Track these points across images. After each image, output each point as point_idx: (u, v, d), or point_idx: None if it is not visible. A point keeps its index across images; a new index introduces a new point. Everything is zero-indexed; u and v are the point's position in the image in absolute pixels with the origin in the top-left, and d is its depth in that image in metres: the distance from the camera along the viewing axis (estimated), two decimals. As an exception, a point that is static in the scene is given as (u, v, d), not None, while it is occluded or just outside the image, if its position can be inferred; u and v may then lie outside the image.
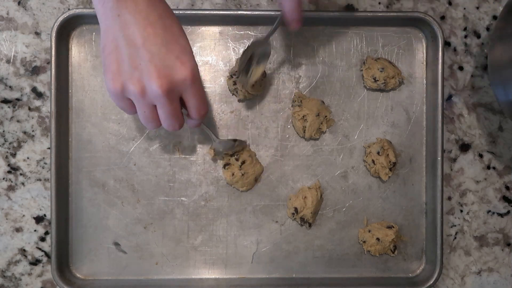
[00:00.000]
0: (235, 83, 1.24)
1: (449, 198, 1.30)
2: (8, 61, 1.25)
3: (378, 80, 1.24)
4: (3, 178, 1.26)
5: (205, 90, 1.26)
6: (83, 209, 1.25)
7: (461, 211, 1.31)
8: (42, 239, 1.27)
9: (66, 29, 1.22)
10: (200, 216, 1.26)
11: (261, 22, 1.26)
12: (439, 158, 1.23)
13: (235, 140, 1.22)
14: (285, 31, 1.26)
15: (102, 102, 1.25)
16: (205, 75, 1.26)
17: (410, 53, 1.28)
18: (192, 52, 0.99)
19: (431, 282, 1.24)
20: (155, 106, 0.98)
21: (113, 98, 0.98)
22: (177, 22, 0.99)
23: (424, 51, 1.27)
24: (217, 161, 1.26)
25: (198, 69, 0.99)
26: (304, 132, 1.24)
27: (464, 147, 1.30)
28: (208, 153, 1.25)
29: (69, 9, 1.26)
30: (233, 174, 1.23)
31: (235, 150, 1.23)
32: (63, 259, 1.24)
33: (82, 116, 1.25)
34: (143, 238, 1.26)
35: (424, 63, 1.27)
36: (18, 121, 1.25)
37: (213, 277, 1.27)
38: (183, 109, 1.04)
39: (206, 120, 1.26)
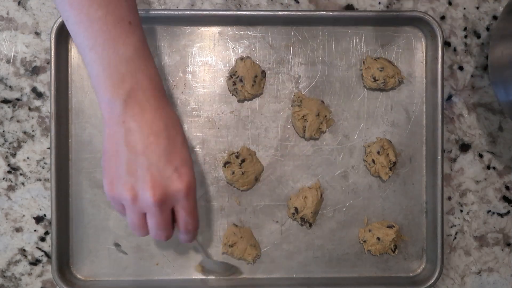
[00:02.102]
0: (234, 83, 1.24)
1: (449, 198, 1.30)
2: (8, 61, 1.25)
3: (377, 80, 1.24)
4: (3, 178, 1.26)
5: (205, 91, 1.26)
6: (83, 210, 1.25)
7: (461, 211, 1.31)
8: (42, 239, 1.27)
9: (66, 30, 1.21)
10: (200, 216, 1.25)
11: (261, 22, 1.26)
12: (439, 158, 1.23)
13: (230, 265, 1.25)
14: (285, 31, 1.27)
15: (102, 103, 1.25)
16: (205, 75, 1.26)
17: (409, 53, 1.28)
18: (192, 166, 0.99)
19: (432, 281, 1.24)
20: (144, 215, 0.98)
21: (109, 200, 0.99)
22: (182, 132, 1.00)
23: (424, 50, 1.27)
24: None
25: (195, 183, 0.99)
26: (304, 132, 1.24)
27: (464, 147, 1.30)
28: (195, 269, 1.26)
29: (69, 9, 1.26)
30: (233, 173, 1.23)
31: (225, 275, 1.25)
32: (63, 260, 1.24)
33: (82, 117, 1.25)
34: (144, 239, 1.25)
35: (424, 62, 1.27)
36: (18, 121, 1.25)
37: (214, 277, 1.27)
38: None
39: (203, 238, 1.27)
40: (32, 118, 1.25)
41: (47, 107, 1.25)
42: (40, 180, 1.26)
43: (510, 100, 1.15)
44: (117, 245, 1.26)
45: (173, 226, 1.03)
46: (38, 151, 1.26)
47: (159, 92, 0.97)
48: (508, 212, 1.31)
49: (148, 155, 0.93)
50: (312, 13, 1.25)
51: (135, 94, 0.93)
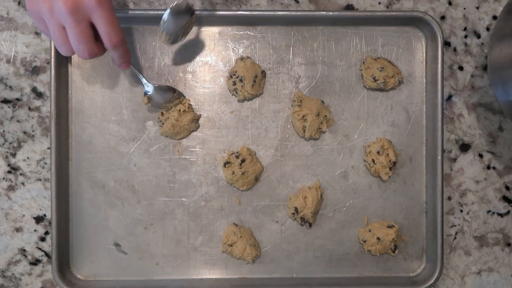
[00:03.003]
0: (234, 83, 1.24)
1: (449, 198, 1.30)
2: (8, 61, 1.25)
3: (377, 80, 1.24)
4: (3, 178, 1.26)
5: (205, 91, 1.26)
6: (83, 210, 1.25)
7: (461, 211, 1.31)
8: (42, 239, 1.27)
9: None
10: (200, 216, 1.26)
11: (261, 22, 1.26)
12: (439, 157, 1.23)
13: (172, 88, 1.24)
14: (285, 31, 1.27)
15: (102, 103, 1.25)
16: (205, 75, 1.27)
17: (409, 53, 1.28)
18: None
19: (432, 281, 1.24)
20: (64, 29, 1.00)
21: (32, 18, 1.02)
22: None
23: (424, 50, 1.27)
24: (153, 110, 1.26)
25: None
26: (304, 132, 1.24)
27: (464, 147, 1.30)
28: (142, 101, 1.24)
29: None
30: (233, 173, 1.23)
31: (172, 101, 1.24)
32: (63, 260, 1.24)
33: (82, 117, 1.25)
34: (144, 238, 1.26)
35: (424, 62, 1.27)
36: (18, 121, 1.25)
37: (214, 277, 1.27)
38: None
39: (137, 64, 1.26)
40: (32, 118, 1.25)
41: (47, 107, 1.25)
42: (40, 180, 1.26)
43: (509, 100, 1.15)
44: (117, 245, 1.26)
45: (98, 44, 1.05)
46: (38, 151, 1.26)
47: None
48: (508, 212, 1.31)
49: None
50: (312, 13, 1.25)
51: None
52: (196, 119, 1.25)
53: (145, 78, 1.22)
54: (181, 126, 1.24)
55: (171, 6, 1.13)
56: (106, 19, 1.00)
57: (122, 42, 1.06)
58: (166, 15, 1.13)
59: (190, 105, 1.25)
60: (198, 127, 1.27)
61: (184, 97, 1.25)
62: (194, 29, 1.25)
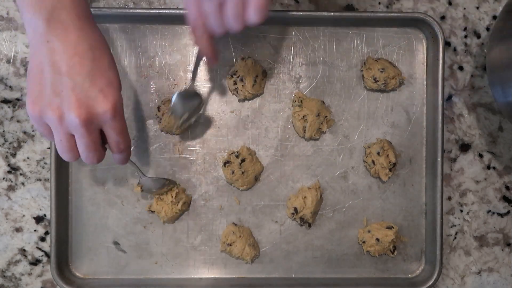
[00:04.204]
0: (235, 83, 1.24)
1: (449, 198, 1.30)
2: (8, 61, 1.25)
3: (378, 81, 1.23)
4: (3, 178, 1.26)
5: (203, 91, 1.26)
6: (83, 208, 1.26)
7: (461, 211, 1.31)
8: (42, 239, 1.27)
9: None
10: (199, 215, 1.26)
11: (262, 22, 1.25)
12: (439, 159, 1.23)
13: (165, 179, 1.24)
14: (286, 31, 1.26)
15: (102, 102, 1.25)
16: (205, 75, 1.27)
17: (410, 54, 1.28)
18: (119, 87, 0.99)
19: (431, 283, 1.24)
20: (73, 136, 0.97)
21: (33, 122, 0.97)
22: (109, 54, 0.99)
23: (425, 51, 1.27)
24: (147, 197, 1.27)
25: (122, 104, 1.00)
26: (304, 132, 1.24)
27: (464, 147, 1.30)
28: (134, 190, 1.24)
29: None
30: (233, 172, 1.23)
31: (164, 189, 1.24)
32: (62, 258, 1.25)
33: (82, 115, 1.25)
34: (143, 237, 1.26)
35: (425, 63, 1.27)
36: (18, 121, 1.25)
37: (213, 276, 1.27)
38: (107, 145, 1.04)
39: (136, 157, 1.27)
40: (32, 118, 1.26)
41: (47, 106, 1.25)
42: (40, 180, 1.26)
43: (507, 101, 1.15)
44: (116, 243, 1.26)
45: (105, 148, 1.04)
46: (38, 151, 1.26)
47: (84, 12, 0.96)
48: (508, 212, 1.31)
49: (73, 76, 0.93)
50: (313, 13, 1.25)
51: (57, 13, 0.92)
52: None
53: (142, 172, 1.22)
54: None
55: (178, 91, 1.18)
56: (118, 129, 1.00)
57: (129, 147, 1.06)
58: (174, 98, 1.17)
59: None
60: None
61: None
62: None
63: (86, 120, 0.94)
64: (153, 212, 1.24)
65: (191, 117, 1.22)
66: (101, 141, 1.01)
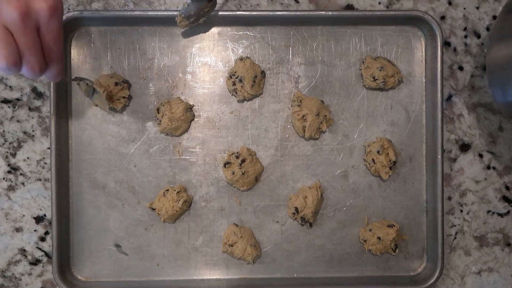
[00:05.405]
0: (234, 84, 1.24)
1: (449, 198, 1.30)
2: (8, 61, 1.25)
3: (377, 79, 1.24)
4: (3, 178, 1.26)
5: (204, 91, 1.27)
6: (83, 211, 1.26)
7: (461, 211, 1.31)
8: (42, 239, 1.27)
9: (66, 31, 1.21)
10: (201, 217, 1.26)
11: (260, 22, 1.26)
12: (439, 157, 1.23)
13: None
14: (284, 31, 1.27)
15: (102, 104, 1.25)
16: (204, 75, 1.27)
17: (409, 52, 1.28)
18: None
19: (433, 281, 1.24)
20: (11, 35, 0.94)
21: None
22: None
23: (423, 49, 1.28)
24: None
25: (61, 8, 0.98)
26: (304, 132, 1.24)
27: (464, 147, 1.30)
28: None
29: (69, 9, 1.26)
30: (233, 173, 1.22)
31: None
32: (64, 262, 1.24)
33: (81, 118, 1.25)
34: (144, 239, 1.26)
35: (423, 61, 1.28)
36: (18, 121, 1.25)
37: (215, 277, 1.27)
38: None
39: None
40: (32, 118, 1.26)
41: (47, 107, 1.26)
42: (40, 180, 1.26)
43: (507, 101, 1.15)
44: (117, 246, 1.26)
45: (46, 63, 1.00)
46: (38, 151, 1.26)
47: None
48: (508, 212, 1.31)
49: None
50: (311, 13, 1.26)
51: None
52: (189, 107, 1.25)
53: (90, 80, 1.21)
54: (178, 118, 1.23)
55: None
56: (53, 34, 0.98)
57: (60, 60, 1.03)
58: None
59: (178, 97, 1.25)
60: (194, 115, 1.27)
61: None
62: (194, 29, 1.26)
63: (23, 14, 0.92)
64: (154, 209, 1.24)
65: (197, 20, 1.22)
66: (40, 46, 0.98)
